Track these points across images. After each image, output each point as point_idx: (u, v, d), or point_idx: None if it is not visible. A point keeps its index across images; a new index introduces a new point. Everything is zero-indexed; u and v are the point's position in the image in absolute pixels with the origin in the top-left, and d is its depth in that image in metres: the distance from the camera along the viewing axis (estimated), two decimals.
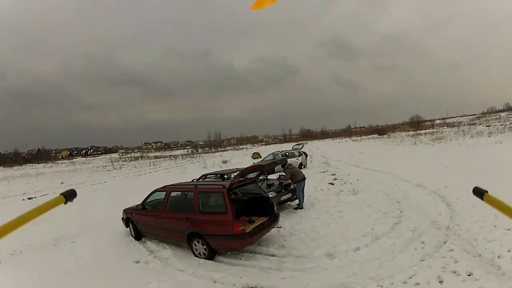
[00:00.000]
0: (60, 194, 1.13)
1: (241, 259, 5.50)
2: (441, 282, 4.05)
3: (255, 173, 6.17)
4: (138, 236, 7.11)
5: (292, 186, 8.65)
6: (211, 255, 5.53)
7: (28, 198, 17.06)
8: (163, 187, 6.83)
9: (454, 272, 4.22)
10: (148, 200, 7.00)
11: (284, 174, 8.82)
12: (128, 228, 7.42)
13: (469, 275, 4.11)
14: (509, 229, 5.26)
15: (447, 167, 13.20)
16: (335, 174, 14.95)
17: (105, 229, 8.05)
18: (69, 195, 1.15)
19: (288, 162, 8.89)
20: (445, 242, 5.25)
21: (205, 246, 5.53)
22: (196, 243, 5.65)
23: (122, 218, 7.62)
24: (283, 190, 8.40)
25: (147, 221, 6.74)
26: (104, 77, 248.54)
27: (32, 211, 1.03)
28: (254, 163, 14.29)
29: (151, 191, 7.12)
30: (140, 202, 7.16)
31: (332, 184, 12.19)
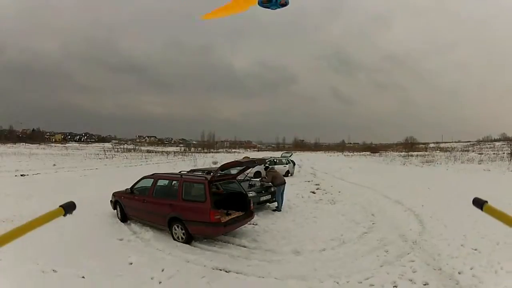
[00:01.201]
0: (59, 206, 1.12)
1: (214, 246, 5.99)
2: (395, 287, 4.36)
3: (236, 169, 6.56)
4: (124, 218, 7.58)
5: (273, 188, 9.05)
6: (188, 239, 6.02)
7: (21, 175, 17.44)
8: (152, 174, 7.38)
9: (410, 280, 4.51)
10: (137, 186, 7.49)
11: (266, 177, 9.21)
12: (116, 210, 7.88)
13: (424, 285, 4.39)
14: (475, 249, 5.58)
15: (429, 188, 13.68)
16: (318, 184, 15.40)
17: (92, 209, 8.39)
18: (68, 207, 1.14)
19: (271, 166, 9.27)
20: (408, 254, 5.57)
21: (183, 231, 6.02)
22: (176, 227, 6.14)
23: (111, 201, 8.09)
24: (263, 191, 8.84)
25: (134, 205, 7.23)
26: (104, 61, 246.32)
27: (31, 222, 1.01)
28: None
29: (140, 177, 7.64)
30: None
31: (313, 192, 12.63)
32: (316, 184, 15.46)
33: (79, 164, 27.05)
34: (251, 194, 7.97)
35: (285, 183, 9.24)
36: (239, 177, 7.70)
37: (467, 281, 4.41)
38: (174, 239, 6.17)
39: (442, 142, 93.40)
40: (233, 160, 7.52)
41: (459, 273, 4.69)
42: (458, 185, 14.39)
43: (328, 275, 4.60)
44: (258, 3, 1.80)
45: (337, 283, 4.38)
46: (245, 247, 5.88)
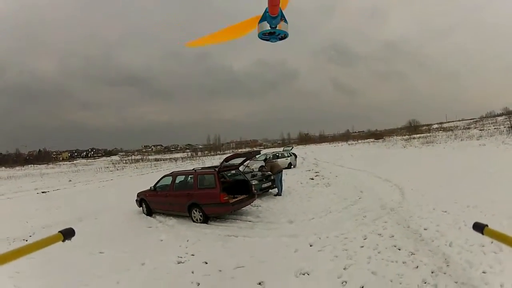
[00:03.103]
0: (58, 231, 1.12)
1: (225, 222, 7.57)
2: (365, 238, 5.41)
3: (238, 160, 8.07)
4: (149, 212, 9.09)
5: (272, 176, 10.44)
6: (205, 220, 7.56)
7: (42, 192, 18.65)
8: (171, 173, 8.97)
9: (379, 234, 5.52)
10: (158, 184, 9.04)
11: (266, 167, 10.69)
12: (141, 207, 9.40)
13: (391, 237, 5.31)
14: (445, 211, 6.35)
15: (420, 166, 14.90)
16: (318, 172, 16.80)
17: (120, 210, 10.03)
18: (68, 234, 1.14)
19: (270, 158, 10.69)
20: (383, 217, 6.59)
21: (200, 213, 7.57)
22: (195, 211, 7.68)
23: (136, 200, 9.58)
24: (264, 179, 10.27)
25: (157, 200, 8.76)
26: (102, 77, 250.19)
27: (30, 245, 1.02)
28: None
29: (161, 177, 9.26)
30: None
31: (312, 179, 14.05)
32: (316, 172, 16.82)
33: (93, 177, 28.63)
34: (254, 182, 9.44)
35: (282, 171, 10.72)
36: (244, 171, 9.15)
37: (430, 235, 5.16)
38: (193, 221, 7.69)
39: (445, 122, 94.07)
40: (233, 153, 9.03)
41: (424, 229, 5.48)
42: (448, 161, 15.59)
43: (313, 233, 5.95)
44: (258, 36, 1.80)
45: (319, 238, 5.69)
46: (250, 221, 7.38)
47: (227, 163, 7.92)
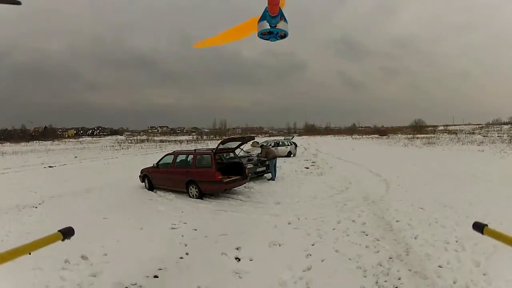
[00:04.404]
0: (58, 230, 1.12)
1: (218, 199, 8.32)
2: (339, 222, 5.97)
3: (234, 144, 8.89)
4: (151, 187, 9.91)
5: (267, 162, 11.08)
6: (200, 196, 8.36)
7: (49, 166, 19.37)
8: (173, 152, 9.79)
9: (353, 221, 6.02)
10: (161, 162, 9.85)
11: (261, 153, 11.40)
12: (144, 183, 10.22)
13: (363, 224, 5.80)
14: (422, 208, 6.61)
15: (414, 164, 15.24)
16: (315, 162, 17.40)
17: (124, 185, 10.88)
18: (67, 233, 1.13)
19: (270, 144, 11.35)
20: (361, 207, 7.03)
21: (197, 190, 8.35)
22: (191, 188, 8.47)
23: (140, 176, 10.41)
24: (259, 164, 10.96)
25: (159, 176, 9.59)
26: (111, 58, 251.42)
27: (29, 244, 1.01)
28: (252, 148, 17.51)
29: (163, 155, 10.10)
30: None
31: (307, 168, 14.72)
32: (313, 162, 17.45)
33: (98, 155, 29.43)
34: (249, 166, 10.19)
35: (276, 157, 11.42)
36: (240, 155, 9.83)
37: (400, 227, 5.48)
38: (190, 197, 8.49)
39: (451, 125, 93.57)
40: (229, 137, 9.79)
41: (397, 221, 5.82)
42: (442, 163, 15.86)
43: (294, 214, 6.63)
44: (258, 35, 1.74)
45: (298, 218, 6.34)
46: (240, 200, 8.19)
47: (223, 145, 8.64)
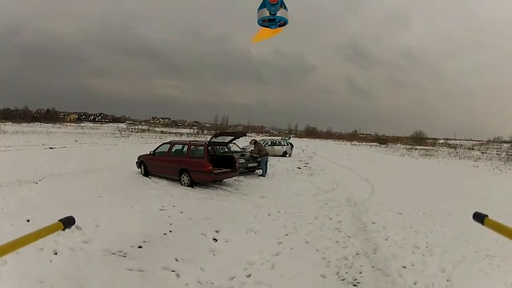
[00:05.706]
0: (59, 220, 1.11)
1: (208, 189, 8.83)
2: (316, 218, 6.25)
3: (227, 138, 9.52)
4: (146, 174, 10.41)
5: (259, 159, 11.56)
6: (191, 184, 8.88)
7: (50, 148, 19.63)
8: (169, 141, 10.32)
9: (330, 218, 6.28)
10: (158, 150, 10.38)
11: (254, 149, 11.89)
12: (140, 168, 10.71)
13: (338, 222, 6.08)
14: (400, 213, 6.79)
15: (404, 174, 15.62)
16: (308, 164, 17.79)
17: (121, 170, 11.33)
18: (68, 222, 1.13)
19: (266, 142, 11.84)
20: (341, 207, 7.28)
21: (188, 178, 8.87)
22: (184, 176, 8.99)
23: (136, 162, 10.92)
24: (251, 160, 11.42)
25: (155, 163, 10.12)
26: (120, 46, 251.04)
27: (30, 235, 1.00)
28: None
29: (160, 143, 10.62)
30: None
31: (299, 168, 15.19)
32: (306, 163, 17.83)
33: (99, 141, 29.90)
34: (241, 161, 10.67)
35: (268, 154, 11.92)
36: (232, 149, 10.33)
37: (374, 228, 5.71)
38: (182, 185, 9.01)
39: (452, 139, 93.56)
40: (221, 131, 10.27)
41: (372, 223, 6.02)
42: (434, 175, 16.13)
43: (275, 207, 7.06)
44: (258, 23, 1.76)
45: (278, 211, 6.75)
46: (228, 191, 8.71)
47: (216, 138, 9.17)
